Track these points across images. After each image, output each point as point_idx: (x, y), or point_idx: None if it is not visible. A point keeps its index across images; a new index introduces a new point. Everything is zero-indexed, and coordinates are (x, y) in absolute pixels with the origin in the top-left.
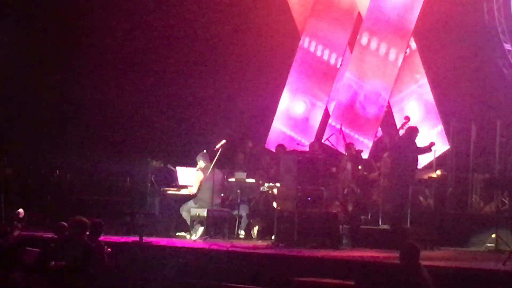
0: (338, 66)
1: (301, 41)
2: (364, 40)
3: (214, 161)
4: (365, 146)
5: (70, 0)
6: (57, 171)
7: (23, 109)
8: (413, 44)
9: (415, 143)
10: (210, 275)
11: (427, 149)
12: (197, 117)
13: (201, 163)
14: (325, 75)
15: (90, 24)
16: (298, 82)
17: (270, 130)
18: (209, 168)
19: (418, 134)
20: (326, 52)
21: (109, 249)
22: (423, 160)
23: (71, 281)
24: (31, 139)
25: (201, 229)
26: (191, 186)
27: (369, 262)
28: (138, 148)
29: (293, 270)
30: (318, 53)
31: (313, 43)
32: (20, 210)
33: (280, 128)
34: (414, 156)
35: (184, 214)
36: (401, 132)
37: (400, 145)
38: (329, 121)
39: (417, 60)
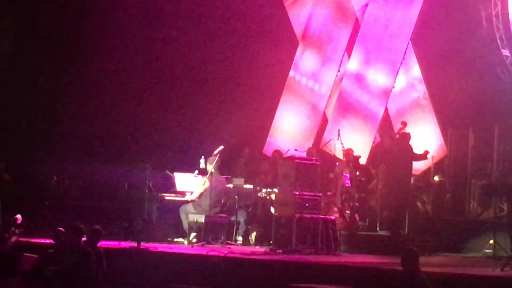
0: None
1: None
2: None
3: (212, 167)
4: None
5: (66, 8)
6: (55, 177)
7: (21, 116)
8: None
9: (409, 148)
10: (207, 281)
11: (423, 156)
12: (195, 123)
13: (209, 166)
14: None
15: (88, 29)
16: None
17: (268, 136)
18: (208, 174)
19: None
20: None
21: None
22: (420, 165)
23: (68, 287)
24: (29, 145)
25: (193, 235)
26: (191, 192)
27: (367, 268)
28: (135, 154)
29: (291, 276)
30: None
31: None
32: (18, 216)
33: (278, 133)
34: (408, 162)
35: (183, 217)
36: (397, 137)
37: (393, 150)
38: (327, 126)
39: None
